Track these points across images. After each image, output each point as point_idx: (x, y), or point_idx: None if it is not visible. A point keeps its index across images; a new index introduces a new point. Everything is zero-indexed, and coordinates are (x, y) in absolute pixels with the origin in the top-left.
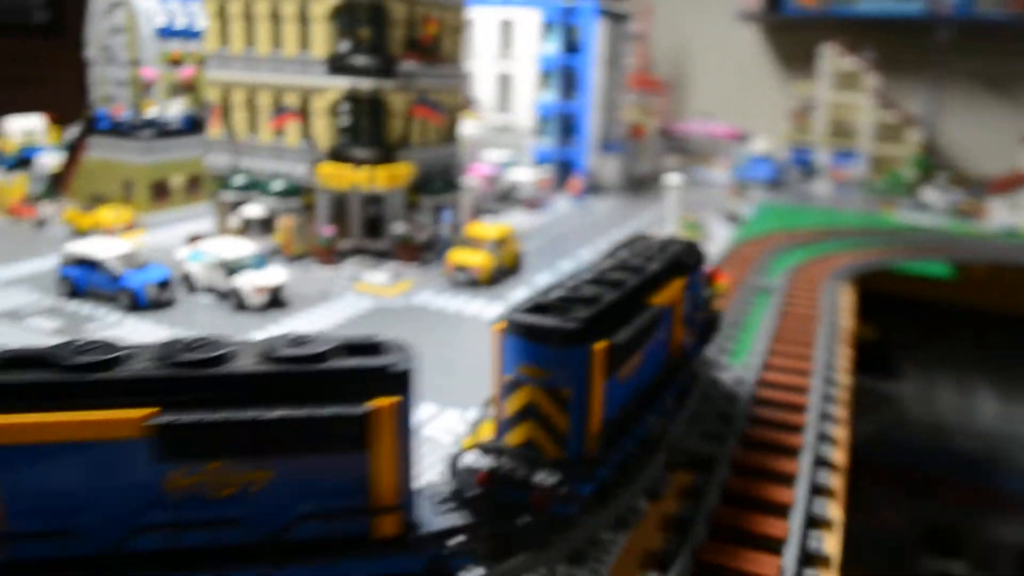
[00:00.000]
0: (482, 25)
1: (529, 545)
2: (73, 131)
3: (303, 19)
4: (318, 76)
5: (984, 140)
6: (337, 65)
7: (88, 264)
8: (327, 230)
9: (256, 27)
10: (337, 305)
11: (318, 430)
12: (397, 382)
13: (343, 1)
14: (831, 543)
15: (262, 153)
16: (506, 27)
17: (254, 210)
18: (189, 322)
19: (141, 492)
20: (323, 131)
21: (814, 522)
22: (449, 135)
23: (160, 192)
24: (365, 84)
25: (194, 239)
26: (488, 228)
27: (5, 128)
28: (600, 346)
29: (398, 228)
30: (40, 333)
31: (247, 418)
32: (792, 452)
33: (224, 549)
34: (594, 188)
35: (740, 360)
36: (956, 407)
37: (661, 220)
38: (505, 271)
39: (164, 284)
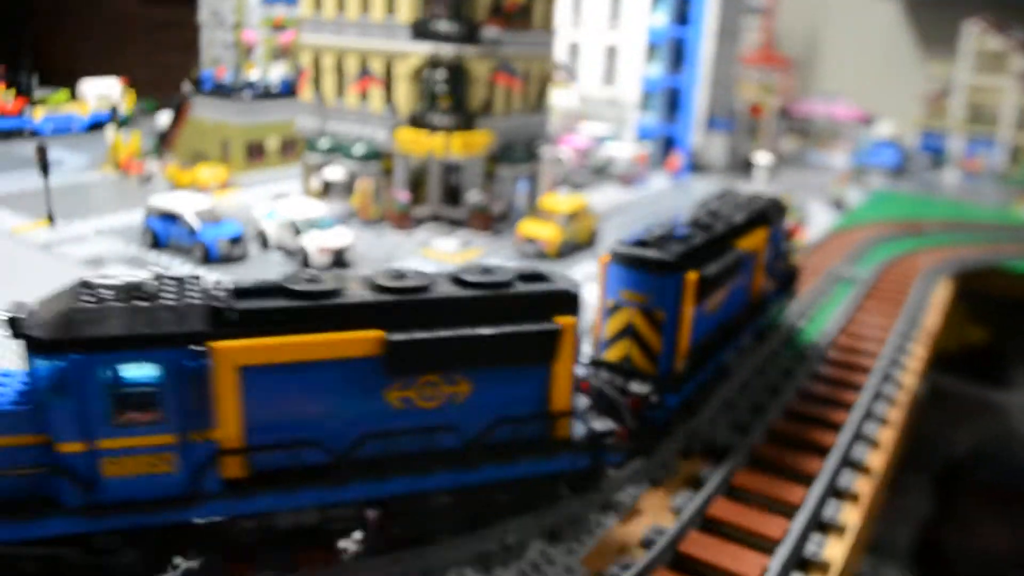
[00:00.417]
0: None
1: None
2: (183, 91)
3: None
4: (402, 41)
5: None
6: (420, 30)
7: (169, 217)
8: (402, 195)
9: None
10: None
11: (517, 345)
12: (572, 304)
13: None
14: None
15: (348, 117)
16: None
17: (335, 172)
18: (251, 277)
19: (367, 405)
20: (404, 96)
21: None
22: (537, 104)
23: (256, 152)
24: (446, 50)
25: (277, 198)
26: (561, 201)
27: (81, 91)
28: (692, 276)
29: (473, 196)
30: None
31: (460, 335)
32: (820, 451)
33: (431, 454)
34: (697, 167)
35: (791, 352)
36: None
37: None
38: (577, 246)
39: (236, 240)
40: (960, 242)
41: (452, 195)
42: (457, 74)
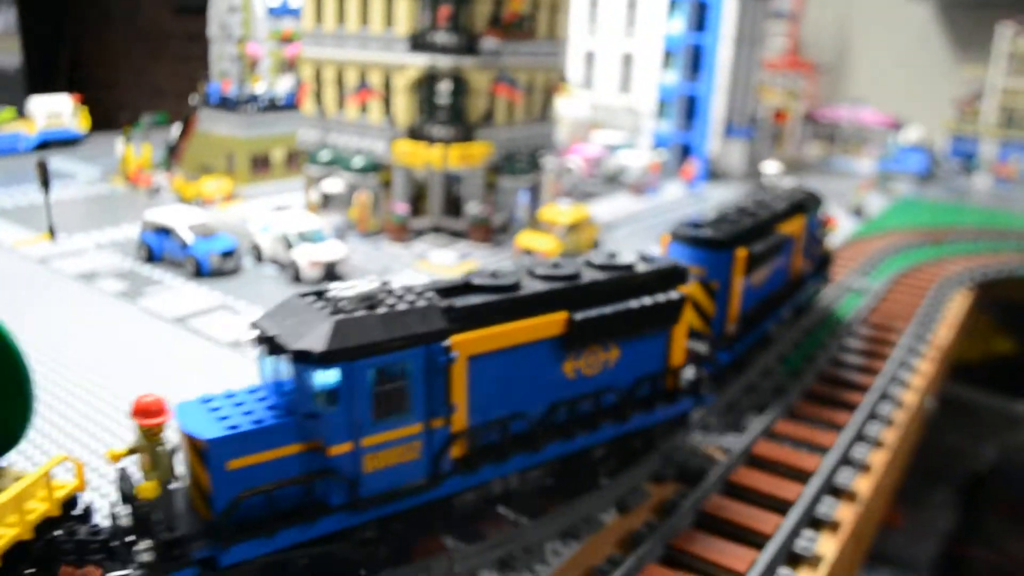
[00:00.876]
0: (606, 1)
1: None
2: (191, 103)
3: None
4: (400, 53)
5: None
6: (418, 42)
7: (163, 231)
8: (400, 207)
9: (347, 4)
10: (393, 282)
11: (656, 313)
12: (683, 276)
13: None
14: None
15: (348, 129)
16: (631, 1)
17: (333, 185)
18: (241, 292)
19: (551, 377)
20: (402, 108)
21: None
22: (543, 114)
23: (261, 164)
24: (444, 61)
25: (278, 211)
26: (562, 212)
27: (29, 109)
28: (741, 252)
29: (473, 208)
30: (106, 294)
31: (620, 310)
32: (803, 477)
33: (598, 412)
34: (715, 175)
35: (786, 369)
36: None
37: None
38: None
39: (229, 254)
40: (985, 250)
41: (454, 206)
42: (456, 85)
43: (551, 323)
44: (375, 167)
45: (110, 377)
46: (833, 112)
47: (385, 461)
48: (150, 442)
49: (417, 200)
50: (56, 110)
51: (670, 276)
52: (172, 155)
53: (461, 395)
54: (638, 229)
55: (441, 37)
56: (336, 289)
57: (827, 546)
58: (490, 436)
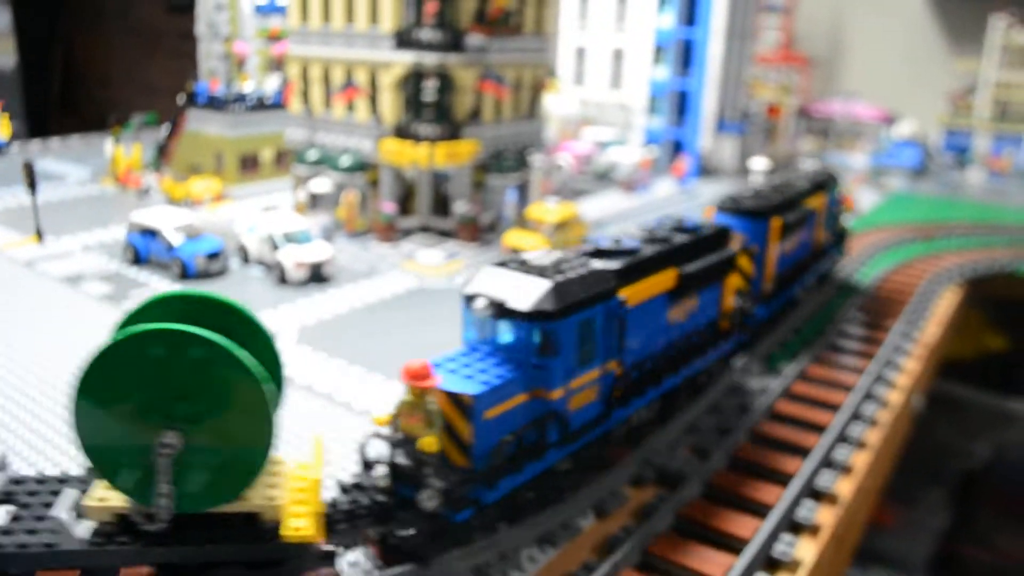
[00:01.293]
0: None
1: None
2: (178, 101)
3: None
4: (385, 51)
5: None
6: (403, 39)
7: (149, 233)
8: (387, 207)
9: (332, 1)
10: (379, 283)
11: (722, 265)
12: (730, 236)
13: None
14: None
15: (335, 128)
16: None
17: (320, 184)
18: (227, 294)
19: (661, 323)
20: (388, 107)
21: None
22: (531, 111)
23: (250, 164)
24: (429, 59)
25: (266, 211)
26: (549, 211)
27: None
28: (776, 221)
29: (461, 207)
30: (90, 297)
31: (707, 264)
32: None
33: (684, 351)
34: (707, 171)
35: (773, 366)
36: None
37: None
38: None
39: (215, 255)
40: (977, 246)
41: (442, 205)
42: (442, 83)
43: (668, 277)
44: (362, 166)
45: None
46: (826, 106)
47: (582, 400)
48: (421, 402)
49: (405, 199)
50: None
51: (723, 236)
52: (161, 155)
53: (621, 341)
54: (628, 227)
55: (426, 34)
56: (533, 258)
57: (806, 550)
58: (634, 375)
